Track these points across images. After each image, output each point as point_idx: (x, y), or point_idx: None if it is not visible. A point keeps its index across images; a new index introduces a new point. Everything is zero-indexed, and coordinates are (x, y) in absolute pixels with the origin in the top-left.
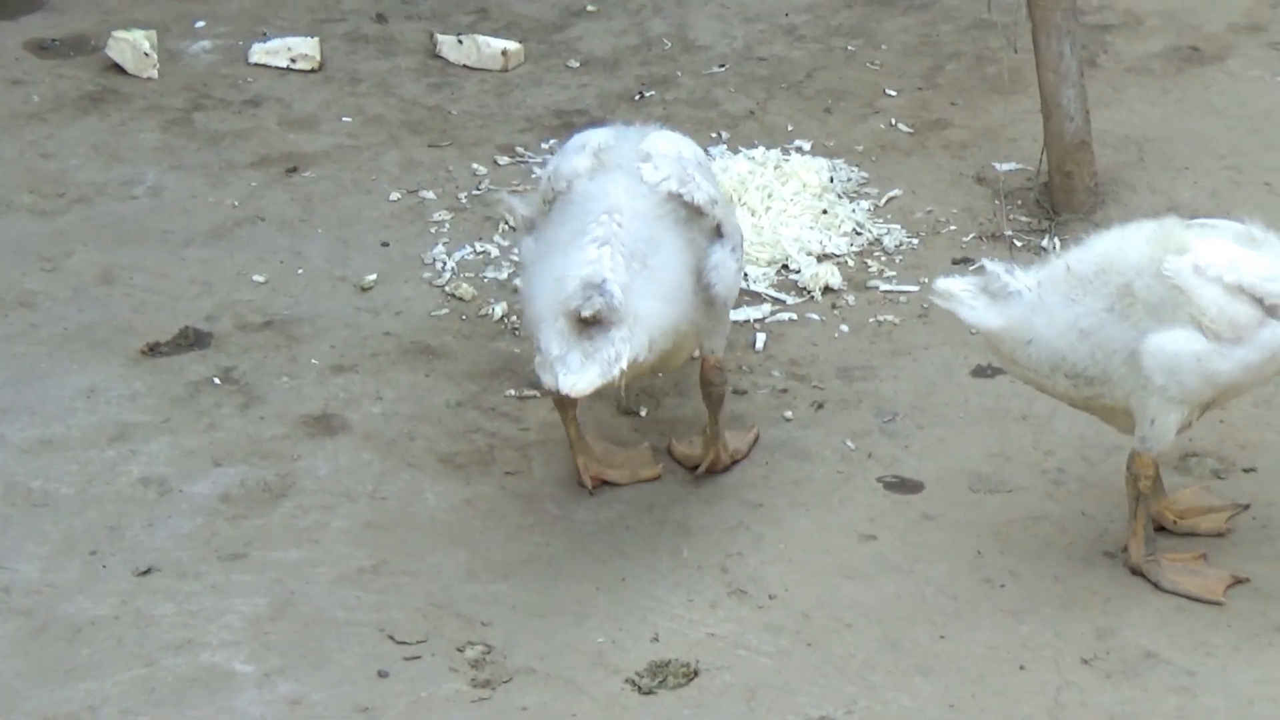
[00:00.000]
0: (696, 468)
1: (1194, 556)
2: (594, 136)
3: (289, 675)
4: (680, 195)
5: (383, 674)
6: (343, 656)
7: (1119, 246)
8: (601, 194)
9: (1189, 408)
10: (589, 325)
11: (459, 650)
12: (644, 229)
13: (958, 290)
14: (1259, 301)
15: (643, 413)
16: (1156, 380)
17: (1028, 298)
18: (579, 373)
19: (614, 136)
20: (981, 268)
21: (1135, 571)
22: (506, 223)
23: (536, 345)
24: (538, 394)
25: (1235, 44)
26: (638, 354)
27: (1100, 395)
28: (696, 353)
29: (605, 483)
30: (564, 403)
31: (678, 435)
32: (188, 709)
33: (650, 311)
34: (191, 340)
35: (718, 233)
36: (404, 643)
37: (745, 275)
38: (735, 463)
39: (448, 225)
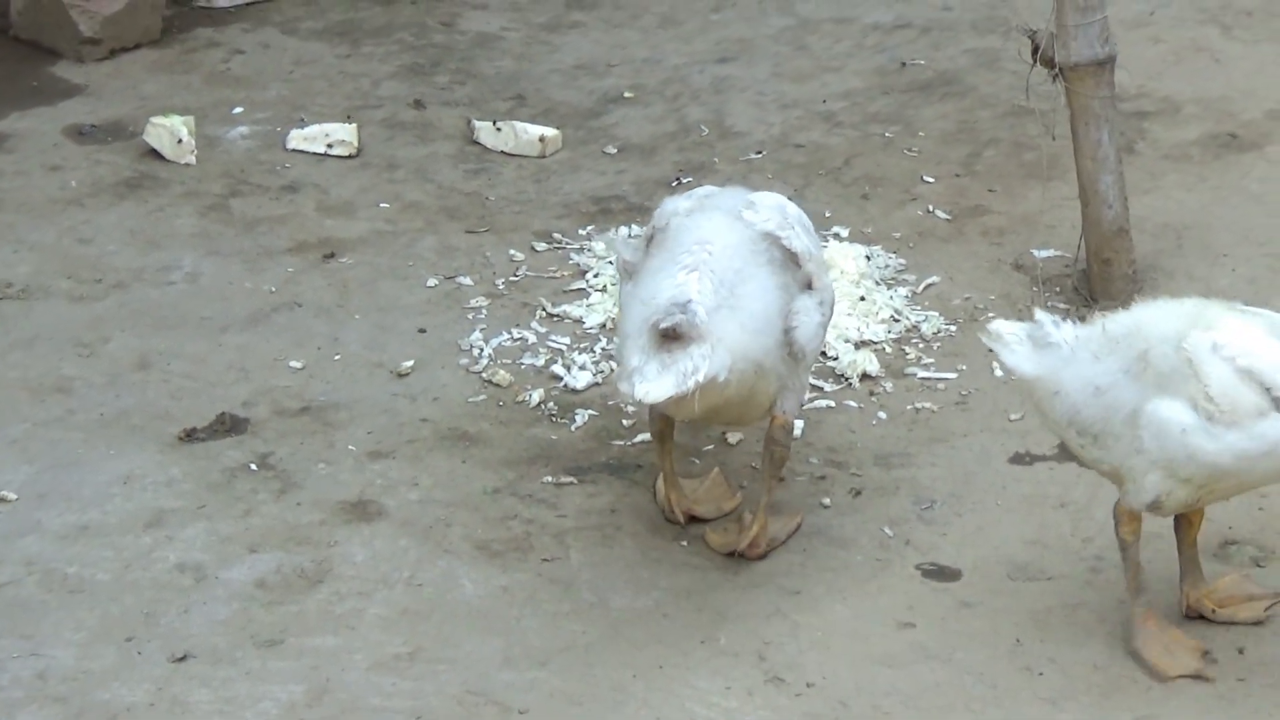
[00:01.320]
0: (733, 553)
1: (1182, 637)
2: (701, 189)
3: None
4: (777, 237)
5: None
6: None
7: (1155, 315)
8: (696, 227)
9: (1176, 481)
10: (670, 340)
11: None
12: (735, 260)
13: (1006, 334)
14: (1267, 391)
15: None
16: (1145, 443)
17: (1063, 351)
18: (654, 380)
19: (720, 190)
20: (1034, 315)
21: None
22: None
23: (619, 360)
24: (574, 481)
25: (1274, 131)
26: (716, 372)
27: (1101, 459)
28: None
29: (694, 518)
30: (663, 435)
31: (713, 525)
32: None
33: (733, 336)
34: (228, 426)
35: (809, 286)
36: None
37: None
38: (772, 549)
39: (485, 311)
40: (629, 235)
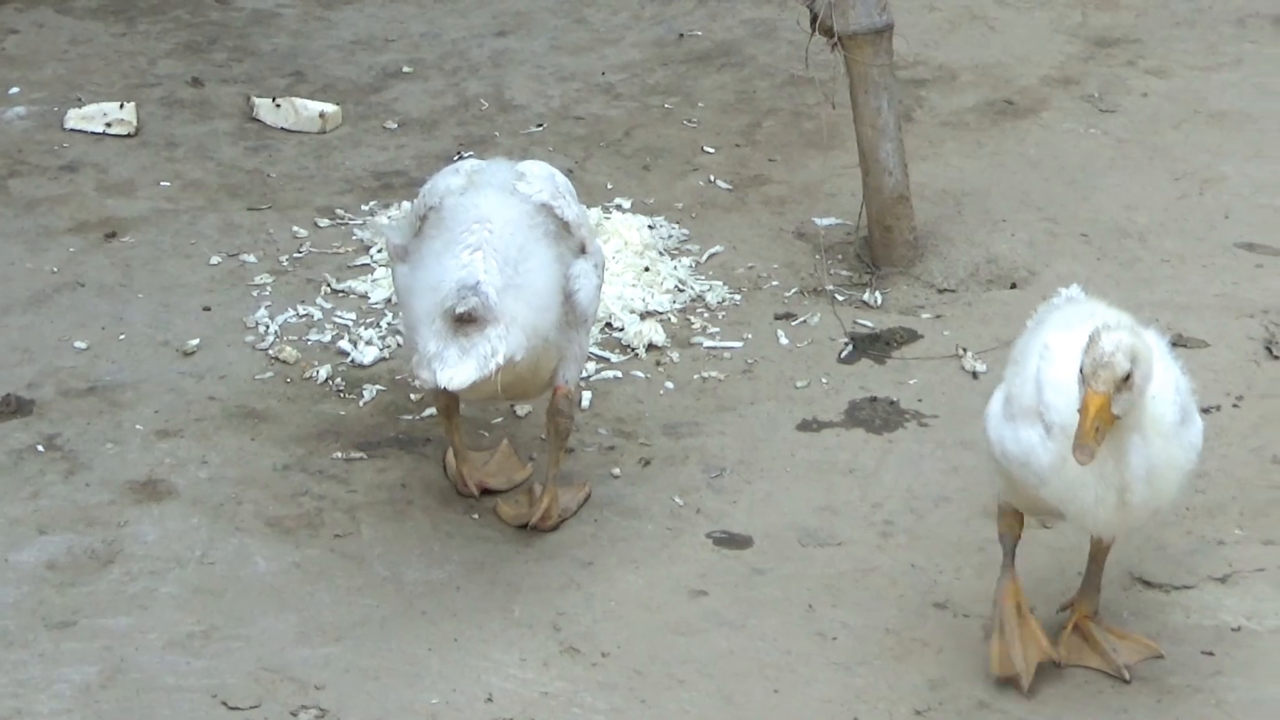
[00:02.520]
0: (525, 525)
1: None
2: (466, 163)
3: None
4: (552, 207)
5: None
6: None
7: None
8: (473, 205)
9: (997, 471)
10: (465, 324)
11: (292, 715)
12: (516, 236)
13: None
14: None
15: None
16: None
17: None
18: (456, 366)
19: (486, 164)
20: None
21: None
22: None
23: (414, 347)
24: (364, 456)
25: (1049, 97)
26: (513, 353)
27: None
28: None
29: (486, 491)
30: (449, 410)
31: (504, 497)
32: None
33: (523, 314)
34: (13, 408)
35: (582, 251)
36: (237, 708)
37: None
38: (563, 520)
39: (270, 289)
40: (388, 218)
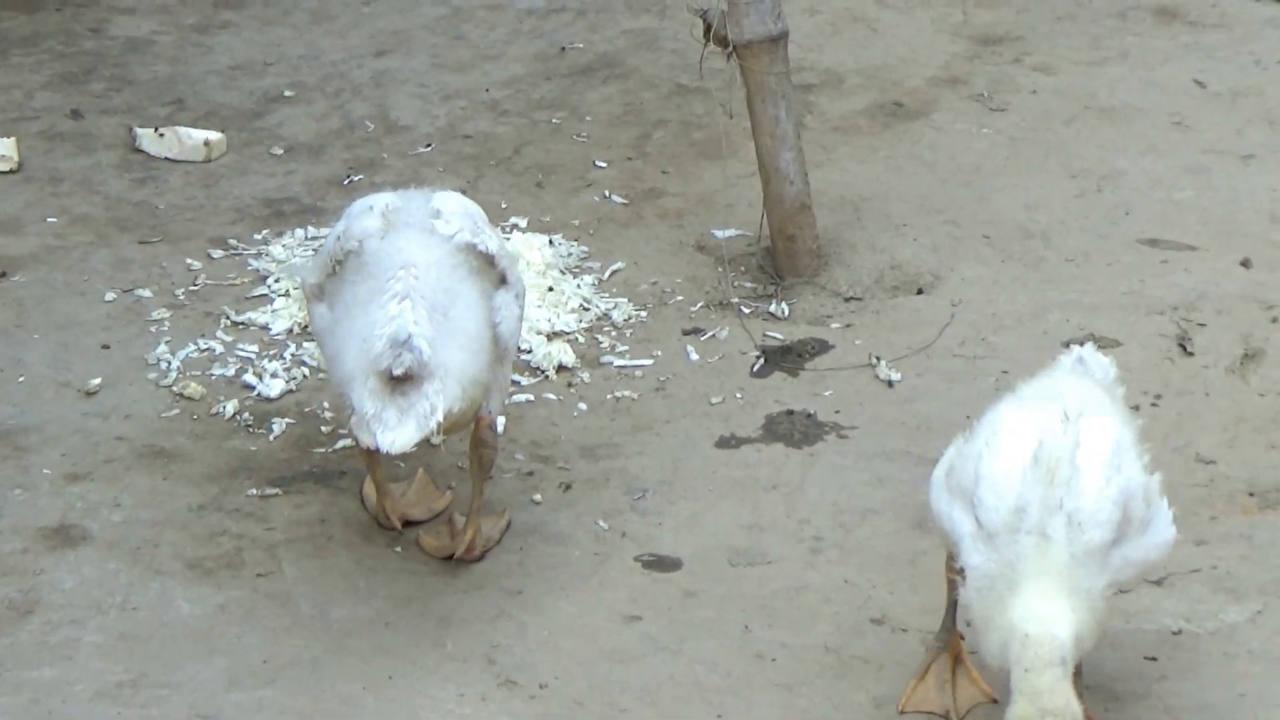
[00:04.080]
0: (450, 556)
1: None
2: (379, 199)
3: None
4: (475, 245)
5: None
6: None
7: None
8: (395, 250)
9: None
10: (401, 382)
11: None
12: (442, 280)
13: None
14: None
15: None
16: None
17: None
18: (396, 429)
19: (399, 198)
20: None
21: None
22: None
23: (349, 405)
24: (279, 491)
25: (938, 98)
26: (451, 405)
27: None
28: None
29: (408, 522)
30: (370, 452)
31: (426, 529)
32: None
33: (457, 362)
34: None
35: (503, 281)
36: None
37: None
38: (487, 550)
39: (168, 324)
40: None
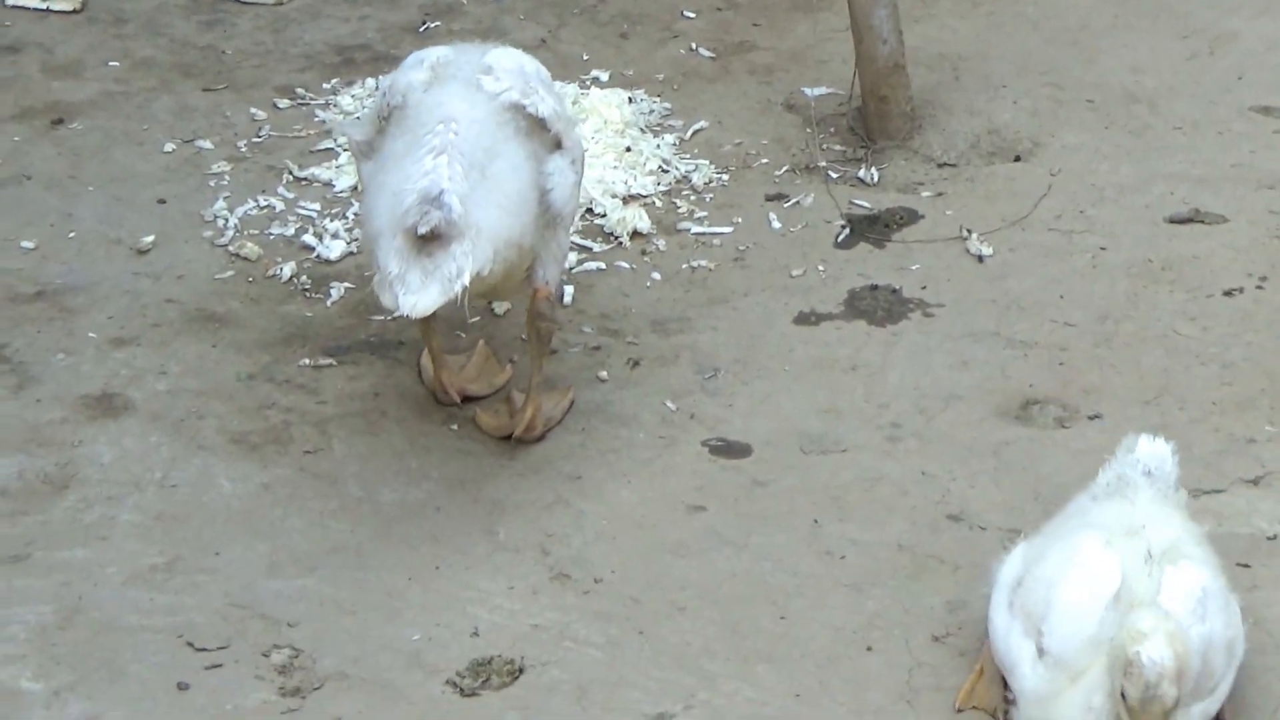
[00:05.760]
0: (509, 436)
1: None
2: (432, 52)
3: (81, 692)
4: (523, 106)
5: (183, 686)
6: (139, 668)
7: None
8: (437, 104)
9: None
10: (428, 241)
11: (264, 655)
12: (483, 138)
13: None
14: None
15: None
16: None
17: None
18: (419, 292)
19: (453, 52)
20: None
21: None
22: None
23: (374, 263)
24: (333, 362)
25: None
26: (481, 268)
27: None
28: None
29: (467, 398)
30: (425, 320)
31: (484, 405)
32: None
33: (492, 222)
34: None
35: (558, 145)
36: (204, 649)
37: None
38: (548, 430)
39: (228, 178)
40: (351, 97)
